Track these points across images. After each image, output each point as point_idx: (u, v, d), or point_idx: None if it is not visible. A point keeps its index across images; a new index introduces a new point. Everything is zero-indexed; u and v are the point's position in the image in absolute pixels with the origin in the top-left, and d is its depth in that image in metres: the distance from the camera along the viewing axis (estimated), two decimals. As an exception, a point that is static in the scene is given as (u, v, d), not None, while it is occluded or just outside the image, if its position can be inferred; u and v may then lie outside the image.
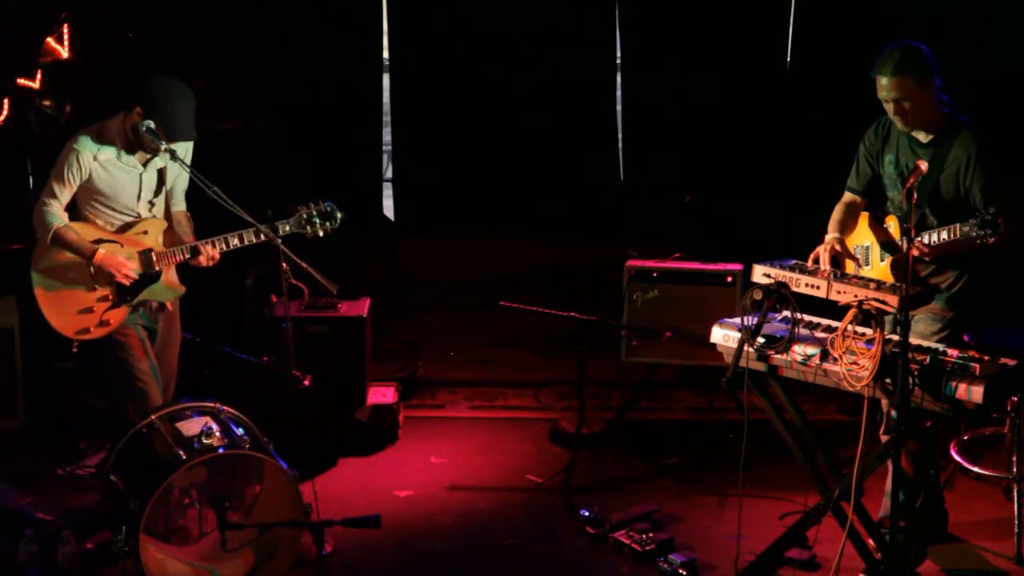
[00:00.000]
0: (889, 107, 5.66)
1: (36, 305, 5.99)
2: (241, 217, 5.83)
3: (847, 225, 5.93)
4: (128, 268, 5.94)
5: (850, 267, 5.85)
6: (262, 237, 5.91)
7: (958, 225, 5.46)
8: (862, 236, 5.90)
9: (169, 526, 5.84)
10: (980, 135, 5.61)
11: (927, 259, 5.63)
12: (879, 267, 5.81)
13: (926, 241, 5.56)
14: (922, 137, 5.70)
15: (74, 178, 5.89)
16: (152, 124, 5.82)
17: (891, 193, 5.84)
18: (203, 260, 6.00)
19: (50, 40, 8.34)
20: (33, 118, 8.30)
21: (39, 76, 8.28)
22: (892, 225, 5.82)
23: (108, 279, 5.94)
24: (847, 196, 6.01)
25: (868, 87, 5.68)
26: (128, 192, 6.00)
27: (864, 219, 5.92)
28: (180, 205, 6.22)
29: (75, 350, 6.07)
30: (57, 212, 5.90)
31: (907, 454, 5.56)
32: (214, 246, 6.00)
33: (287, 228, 6.02)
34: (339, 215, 6.11)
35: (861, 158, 5.94)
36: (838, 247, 5.78)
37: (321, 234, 6.08)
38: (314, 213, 6.07)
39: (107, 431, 6.57)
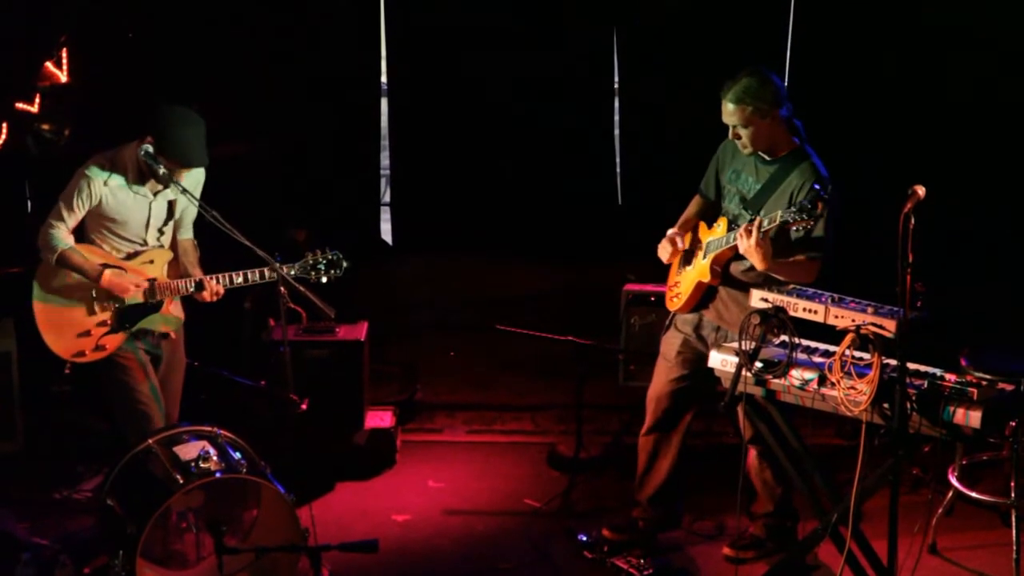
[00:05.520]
0: (730, 131, 5.78)
1: (35, 326, 6.01)
2: (241, 242, 5.85)
3: (690, 223, 6.04)
4: (134, 289, 5.97)
5: (675, 267, 5.99)
6: (267, 277, 5.97)
7: (779, 212, 5.49)
8: (693, 240, 5.99)
9: (166, 550, 5.83)
10: (820, 169, 5.68)
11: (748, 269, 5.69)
12: (700, 264, 5.88)
13: (754, 226, 5.52)
14: (767, 156, 5.80)
15: (83, 204, 5.91)
16: (151, 149, 5.85)
17: (727, 204, 5.90)
18: (207, 295, 6.05)
19: (49, 64, 8.36)
20: (32, 142, 8.31)
21: (38, 100, 8.29)
22: (720, 225, 5.88)
23: (111, 301, 5.96)
24: (696, 198, 6.11)
25: (866, 105, 5.69)
26: (137, 220, 6.02)
27: (701, 226, 5.99)
28: (188, 233, 6.24)
29: (67, 371, 6.10)
30: (63, 235, 5.92)
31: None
32: (218, 282, 6.04)
33: (292, 273, 6.03)
34: (345, 264, 6.15)
35: (711, 164, 6.05)
36: (678, 240, 5.94)
37: (324, 280, 6.12)
38: (320, 260, 6.11)
39: (104, 454, 6.57)
